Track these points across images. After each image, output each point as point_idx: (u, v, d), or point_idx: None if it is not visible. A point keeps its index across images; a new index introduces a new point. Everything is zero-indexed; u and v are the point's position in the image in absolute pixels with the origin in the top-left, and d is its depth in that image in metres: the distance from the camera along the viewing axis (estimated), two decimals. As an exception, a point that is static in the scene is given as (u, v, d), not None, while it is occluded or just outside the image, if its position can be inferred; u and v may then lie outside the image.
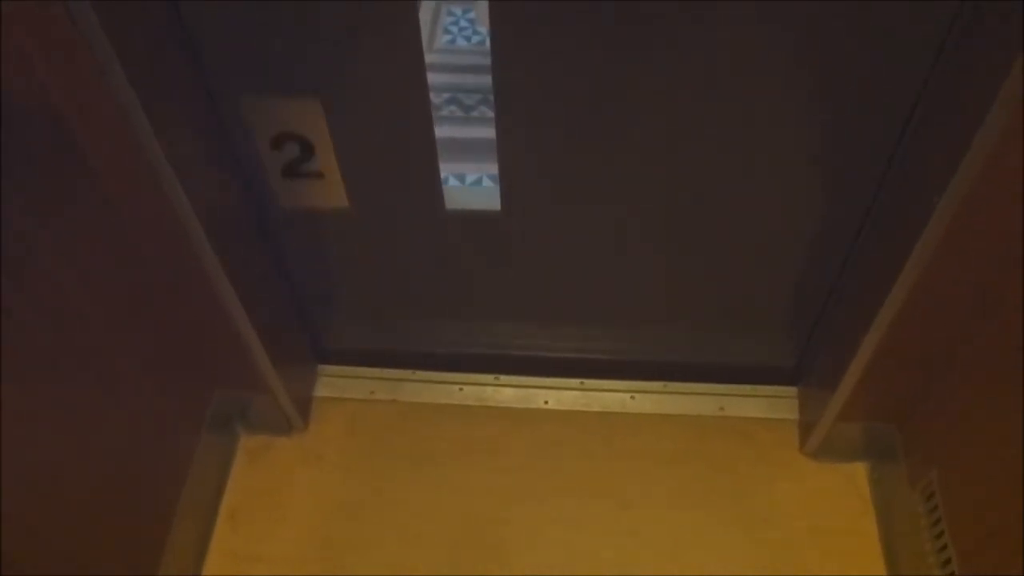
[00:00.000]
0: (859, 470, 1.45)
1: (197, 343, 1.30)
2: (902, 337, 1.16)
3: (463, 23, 2.38)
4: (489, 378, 1.58)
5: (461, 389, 1.58)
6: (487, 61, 1.02)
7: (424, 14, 2.35)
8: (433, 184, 1.21)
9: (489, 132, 1.12)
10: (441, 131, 1.27)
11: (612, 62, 1.02)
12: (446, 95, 2.06)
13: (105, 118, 0.92)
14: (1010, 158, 0.89)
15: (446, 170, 1.33)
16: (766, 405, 1.53)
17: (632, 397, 1.55)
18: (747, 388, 1.55)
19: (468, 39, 2.31)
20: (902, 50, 0.96)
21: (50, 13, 0.81)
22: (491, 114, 1.10)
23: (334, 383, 1.59)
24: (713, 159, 1.14)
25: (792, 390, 1.54)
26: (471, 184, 1.79)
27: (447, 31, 2.35)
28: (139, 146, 0.95)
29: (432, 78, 1.08)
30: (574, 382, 1.57)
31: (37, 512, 0.96)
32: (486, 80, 1.07)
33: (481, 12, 2.40)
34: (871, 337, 1.17)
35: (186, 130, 1.02)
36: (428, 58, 1.19)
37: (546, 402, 1.56)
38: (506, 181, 1.20)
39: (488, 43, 1.02)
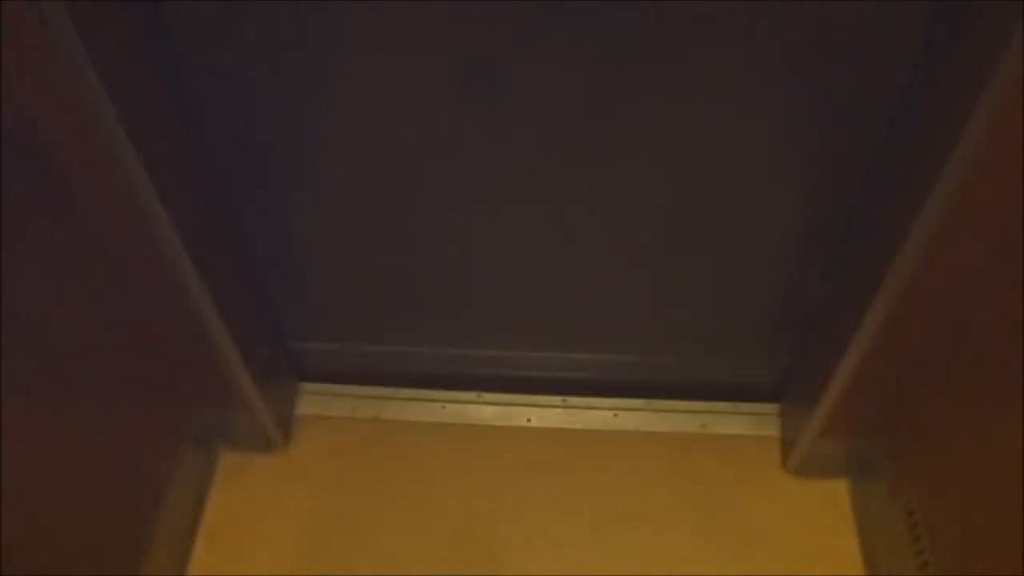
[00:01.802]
0: (840, 487, 1.45)
1: (177, 361, 1.29)
2: (883, 355, 1.17)
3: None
4: (472, 396, 1.58)
5: (444, 407, 1.57)
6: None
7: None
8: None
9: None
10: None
11: (589, 82, 1.03)
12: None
13: (78, 126, 0.91)
14: (987, 179, 0.90)
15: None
16: (748, 422, 1.54)
17: (615, 415, 1.55)
18: (729, 405, 1.55)
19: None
20: (881, 68, 0.97)
21: (21, 14, 0.80)
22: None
23: (316, 400, 1.58)
24: (695, 178, 1.14)
25: (774, 407, 1.54)
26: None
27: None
28: (114, 156, 0.94)
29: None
30: (557, 400, 1.57)
31: (12, 533, 0.95)
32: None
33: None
34: (852, 354, 1.17)
35: (162, 138, 1.01)
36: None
37: (529, 420, 1.55)
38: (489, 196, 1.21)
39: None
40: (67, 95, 0.87)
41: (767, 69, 0.99)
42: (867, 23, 0.92)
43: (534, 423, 1.55)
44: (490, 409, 1.57)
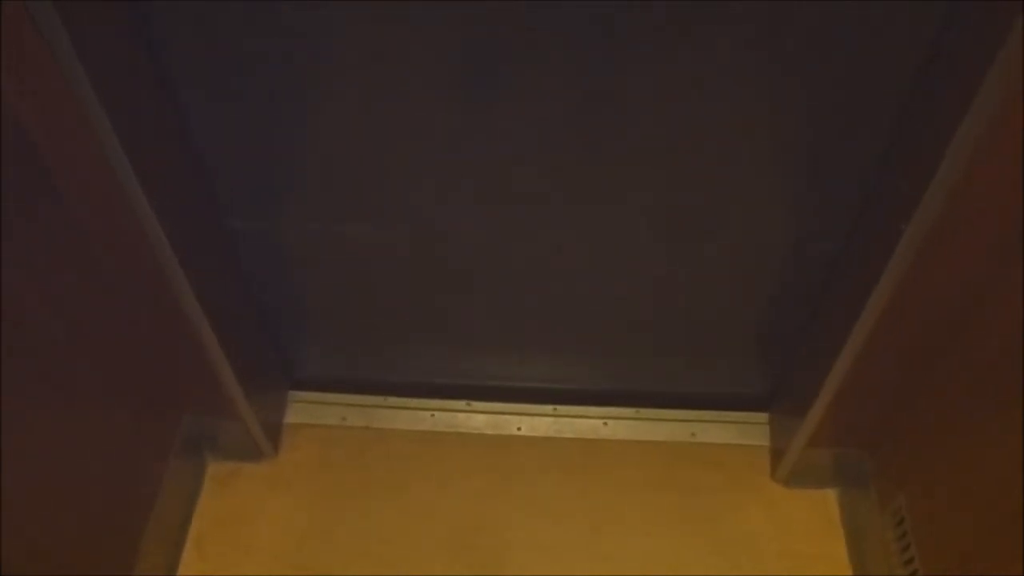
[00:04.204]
0: (829, 496, 1.45)
1: (166, 368, 1.29)
2: (871, 364, 1.17)
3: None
4: (462, 404, 1.58)
5: (433, 415, 1.57)
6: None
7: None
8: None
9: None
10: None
11: (582, 87, 1.03)
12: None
13: (68, 128, 0.90)
14: (976, 187, 0.91)
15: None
16: (737, 432, 1.54)
17: (605, 423, 1.55)
18: (719, 415, 1.55)
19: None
20: (871, 83, 0.97)
21: (13, 16, 0.80)
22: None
23: (305, 409, 1.58)
24: (686, 189, 1.15)
25: (763, 416, 1.55)
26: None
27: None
28: (104, 160, 0.93)
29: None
30: (547, 408, 1.57)
31: (4, 539, 0.94)
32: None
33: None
34: (840, 364, 1.18)
35: (153, 142, 1.01)
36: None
37: (519, 428, 1.55)
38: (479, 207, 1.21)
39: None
40: (58, 98, 0.87)
41: (764, 71, 0.99)
42: (865, 24, 0.92)
43: (524, 432, 1.55)
44: (480, 418, 1.57)
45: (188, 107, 1.05)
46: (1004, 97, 0.82)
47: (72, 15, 0.81)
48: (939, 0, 0.88)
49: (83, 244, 1.05)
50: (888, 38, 0.93)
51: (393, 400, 1.58)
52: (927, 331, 1.11)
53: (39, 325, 0.99)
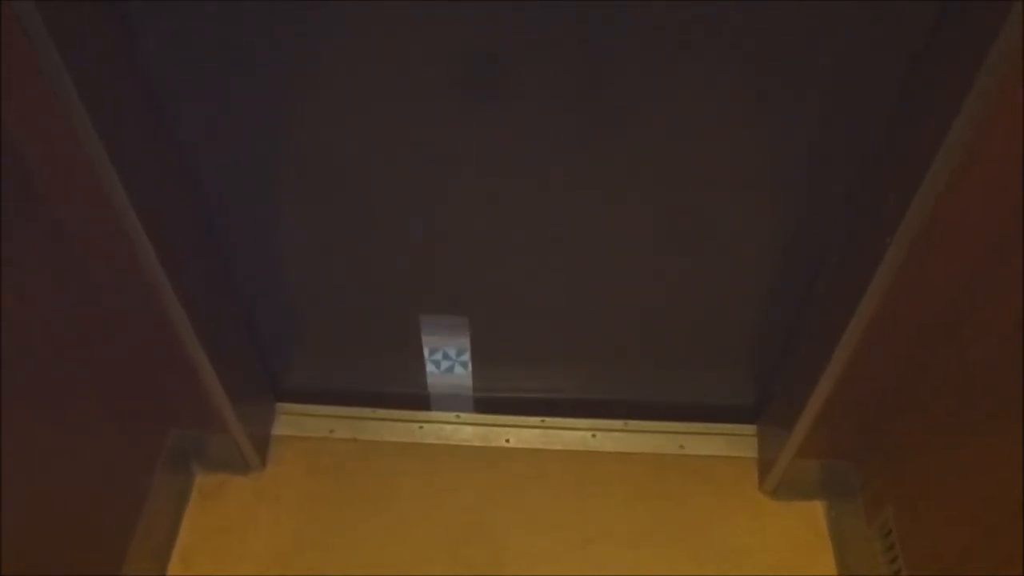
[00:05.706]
0: (817, 507, 1.46)
1: (153, 380, 1.28)
2: (858, 376, 1.18)
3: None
4: (450, 416, 1.58)
5: (421, 427, 1.57)
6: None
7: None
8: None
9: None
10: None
11: (576, 100, 1.04)
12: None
13: (56, 138, 0.90)
14: (959, 201, 0.92)
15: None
16: (725, 443, 1.54)
17: (593, 435, 1.55)
18: (707, 426, 1.56)
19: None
20: (867, 84, 0.98)
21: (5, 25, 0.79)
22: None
23: (292, 421, 1.57)
24: (674, 200, 1.15)
25: (751, 428, 1.55)
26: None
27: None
28: (91, 169, 0.93)
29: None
30: (535, 420, 1.57)
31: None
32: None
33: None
34: (827, 376, 1.19)
35: (140, 150, 1.00)
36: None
37: (507, 440, 1.55)
38: (466, 218, 1.21)
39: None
40: (45, 108, 0.87)
41: (762, 72, 0.99)
42: (863, 23, 0.92)
43: (512, 444, 1.55)
44: (468, 429, 1.57)
45: (176, 116, 1.05)
46: (1000, 96, 0.82)
47: (57, 19, 0.81)
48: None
49: (70, 257, 1.05)
50: (884, 38, 0.93)
51: (381, 412, 1.58)
52: (915, 342, 1.12)
53: (27, 338, 0.99)
